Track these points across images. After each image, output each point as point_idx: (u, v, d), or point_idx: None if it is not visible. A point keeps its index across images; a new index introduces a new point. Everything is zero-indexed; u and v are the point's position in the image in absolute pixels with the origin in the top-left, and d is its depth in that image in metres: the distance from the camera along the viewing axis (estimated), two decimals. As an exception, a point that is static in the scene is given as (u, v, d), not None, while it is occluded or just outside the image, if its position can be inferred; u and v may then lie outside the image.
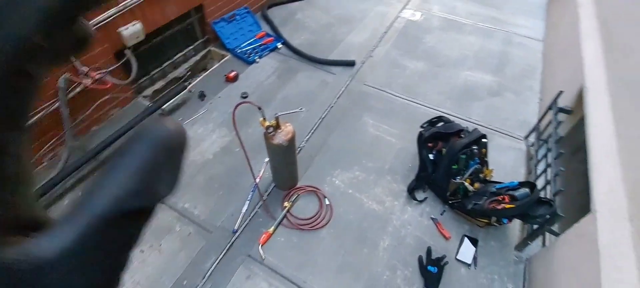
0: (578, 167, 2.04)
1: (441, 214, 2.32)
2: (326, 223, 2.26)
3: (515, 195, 2.03)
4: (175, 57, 3.33)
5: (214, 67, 3.39)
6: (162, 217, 2.25)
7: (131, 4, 2.59)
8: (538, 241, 2.06)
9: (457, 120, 2.61)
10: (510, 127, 2.85)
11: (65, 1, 0.16)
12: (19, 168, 0.17)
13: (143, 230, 0.18)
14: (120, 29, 2.58)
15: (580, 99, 2.25)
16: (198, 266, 2.07)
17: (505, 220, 2.12)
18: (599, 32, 2.49)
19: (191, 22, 3.33)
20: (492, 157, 2.49)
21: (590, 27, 2.61)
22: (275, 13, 4.01)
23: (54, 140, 2.48)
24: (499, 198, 2.07)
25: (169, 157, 0.17)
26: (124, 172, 0.16)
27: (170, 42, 3.22)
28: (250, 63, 3.39)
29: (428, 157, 2.35)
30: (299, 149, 2.64)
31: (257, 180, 2.34)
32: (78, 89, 2.46)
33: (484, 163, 2.30)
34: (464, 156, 2.21)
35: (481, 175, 2.28)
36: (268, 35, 3.68)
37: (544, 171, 2.23)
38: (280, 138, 1.96)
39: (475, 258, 2.12)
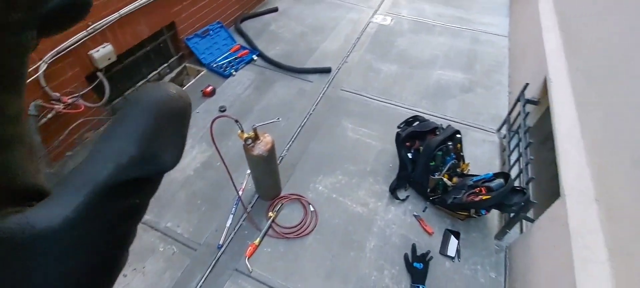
0: (548, 155, 2.13)
1: (423, 211, 2.37)
2: (312, 230, 2.28)
3: (491, 186, 2.10)
4: (150, 76, 3.29)
5: (190, 83, 3.38)
6: (144, 238, 2.21)
7: (101, 27, 2.56)
8: (516, 229, 2.14)
9: (432, 118, 2.69)
10: (483, 121, 2.96)
11: None
12: (18, 130, 0.16)
13: (148, 202, 0.17)
14: (91, 52, 2.54)
15: (545, 89, 2.37)
16: (184, 285, 2.04)
17: (483, 211, 2.19)
18: (558, 26, 2.64)
19: (164, 39, 3.31)
20: (468, 151, 2.57)
21: (550, 21, 2.75)
22: (249, 25, 4.04)
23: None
24: (476, 190, 2.15)
25: (171, 123, 0.16)
26: (125, 139, 0.15)
27: (144, 61, 3.19)
28: (226, 77, 3.39)
29: (407, 156, 2.41)
30: (280, 158, 2.65)
31: (240, 192, 2.34)
32: (50, 115, 2.40)
33: (460, 158, 2.37)
34: (440, 152, 2.28)
35: (458, 170, 2.35)
36: (243, 48, 3.69)
37: (517, 161, 2.32)
38: (260, 149, 1.98)
39: (458, 251, 2.17)
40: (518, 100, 2.55)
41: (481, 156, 2.68)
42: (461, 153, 2.39)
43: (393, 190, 2.44)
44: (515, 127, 2.57)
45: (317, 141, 2.82)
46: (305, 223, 2.30)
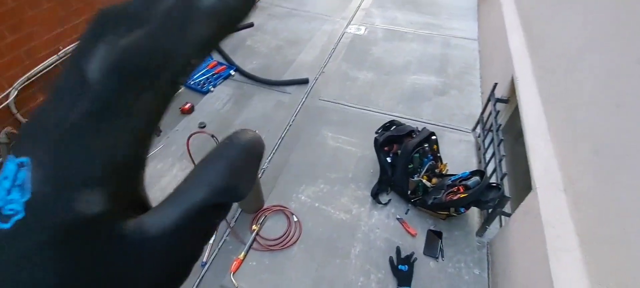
0: (520, 150, 2.21)
1: (405, 213, 2.41)
2: (296, 240, 2.28)
3: (468, 184, 2.17)
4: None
5: (168, 101, 3.35)
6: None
7: (70, 52, 2.53)
8: (496, 224, 2.20)
9: (409, 122, 2.76)
10: (458, 122, 3.04)
11: (225, 29, 0.18)
12: (146, 154, 0.19)
13: (218, 225, 0.21)
14: (63, 76, 2.50)
15: (512, 88, 2.47)
16: (169, 306, 1.99)
17: (462, 209, 2.24)
18: (521, 26, 2.77)
19: (139, 59, 3.29)
20: (446, 151, 2.64)
21: (514, 22, 2.89)
22: (226, 41, 4.01)
23: None
24: (454, 189, 2.20)
25: (250, 162, 0.20)
26: (217, 171, 0.19)
27: (118, 83, 3.15)
28: (205, 93, 3.39)
29: (386, 160, 2.46)
30: (261, 171, 2.65)
31: (223, 208, 2.32)
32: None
33: (437, 159, 2.43)
34: (417, 155, 2.33)
35: (437, 171, 2.41)
36: (220, 63, 3.70)
37: (492, 158, 2.40)
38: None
39: (441, 250, 2.21)
40: (489, 99, 2.65)
41: (458, 156, 2.75)
42: (438, 154, 2.46)
43: (375, 195, 2.47)
44: (488, 126, 2.65)
45: (298, 151, 2.84)
46: (289, 234, 2.30)
